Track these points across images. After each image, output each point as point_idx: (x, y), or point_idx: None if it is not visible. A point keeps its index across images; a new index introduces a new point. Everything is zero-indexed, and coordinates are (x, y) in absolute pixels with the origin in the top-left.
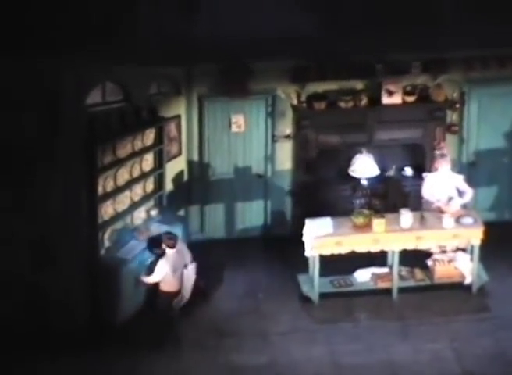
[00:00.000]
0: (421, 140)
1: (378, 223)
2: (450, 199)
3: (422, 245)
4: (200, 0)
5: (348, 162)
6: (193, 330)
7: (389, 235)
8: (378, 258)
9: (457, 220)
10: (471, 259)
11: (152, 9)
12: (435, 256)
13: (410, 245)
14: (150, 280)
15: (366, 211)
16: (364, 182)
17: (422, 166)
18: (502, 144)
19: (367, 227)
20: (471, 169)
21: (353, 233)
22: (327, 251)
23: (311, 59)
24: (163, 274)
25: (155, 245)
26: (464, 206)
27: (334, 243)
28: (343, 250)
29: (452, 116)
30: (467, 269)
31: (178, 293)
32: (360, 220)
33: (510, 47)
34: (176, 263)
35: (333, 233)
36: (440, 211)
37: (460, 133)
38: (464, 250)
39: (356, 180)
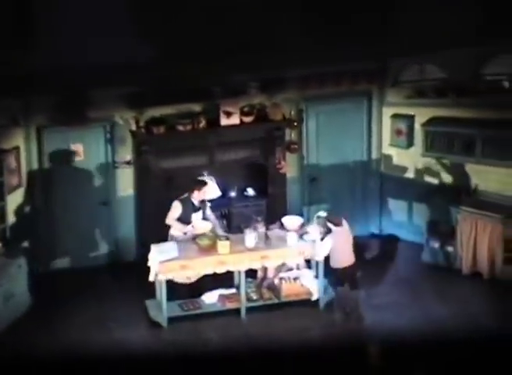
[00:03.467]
0: (262, 159)
1: (223, 245)
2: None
3: (268, 264)
4: (35, 30)
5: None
6: (41, 359)
7: (234, 256)
8: (226, 280)
9: (301, 237)
10: (317, 276)
11: None
12: (281, 274)
13: (256, 265)
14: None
15: (210, 233)
16: (207, 204)
17: (265, 186)
18: (341, 159)
19: (212, 249)
20: (313, 186)
21: (198, 256)
22: (173, 276)
23: (147, 85)
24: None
25: None
26: (305, 223)
27: (179, 267)
28: (189, 273)
29: (291, 135)
30: (313, 285)
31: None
32: (204, 243)
33: (344, 64)
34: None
35: (178, 257)
36: (285, 228)
37: (300, 151)
38: (309, 267)
39: (199, 203)
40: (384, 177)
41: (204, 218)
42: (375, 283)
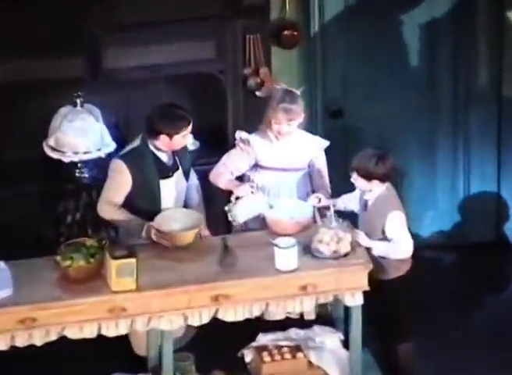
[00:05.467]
0: (216, 66)
1: (121, 267)
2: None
3: (227, 315)
4: None
5: (45, 128)
6: None
7: (148, 295)
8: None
9: (310, 250)
10: (344, 342)
11: None
12: (261, 338)
13: (200, 318)
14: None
15: (91, 241)
16: (83, 173)
17: (222, 128)
18: (401, 67)
19: (95, 279)
20: (333, 126)
21: (63, 297)
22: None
23: None
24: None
25: None
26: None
27: (16, 321)
28: (40, 338)
29: (285, 7)
30: (335, 364)
31: None
32: (76, 264)
33: None
34: None
35: (14, 299)
36: (270, 229)
37: (307, 45)
38: (325, 320)
39: (63, 168)
40: (507, 108)
41: (189, 197)
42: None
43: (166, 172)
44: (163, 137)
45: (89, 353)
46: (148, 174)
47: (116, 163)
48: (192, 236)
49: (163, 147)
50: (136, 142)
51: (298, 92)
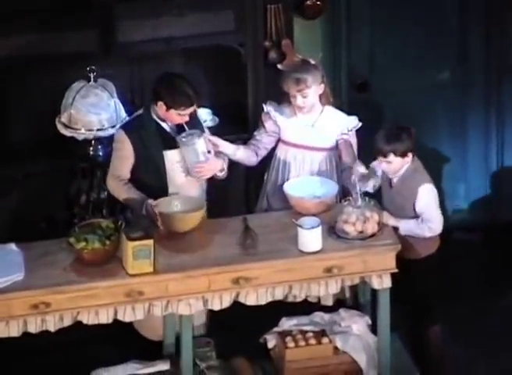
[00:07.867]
0: (235, 38)
1: (138, 249)
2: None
3: (249, 298)
4: None
5: (57, 104)
6: None
7: (166, 278)
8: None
9: (335, 230)
10: (371, 326)
11: None
12: (284, 323)
13: (220, 301)
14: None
15: (106, 222)
16: (97, 151)
17: (242, 103)
18: (425, 38)
19: (110, 261)
20: (358, 100)
21: (77, 281)
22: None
23: None
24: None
25: None
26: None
27: (29, 306)
28: (54, 324)
29: None
30: (361, 350)
31: None
32: (90, 246)
33: None
34: None
35: (26, 283)
36: (293, 209)
37: (331, 15)
38: (348, 304)
39: (77, 146)
40: None
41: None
42: None
43: (171, 142)
44: (160, 104)
45: (101, 340)
46: (150, 144)
47: (117, 133)
48: (190, 221)
49: (161, 114)
50: (140, 111)
51: (313, 61)
